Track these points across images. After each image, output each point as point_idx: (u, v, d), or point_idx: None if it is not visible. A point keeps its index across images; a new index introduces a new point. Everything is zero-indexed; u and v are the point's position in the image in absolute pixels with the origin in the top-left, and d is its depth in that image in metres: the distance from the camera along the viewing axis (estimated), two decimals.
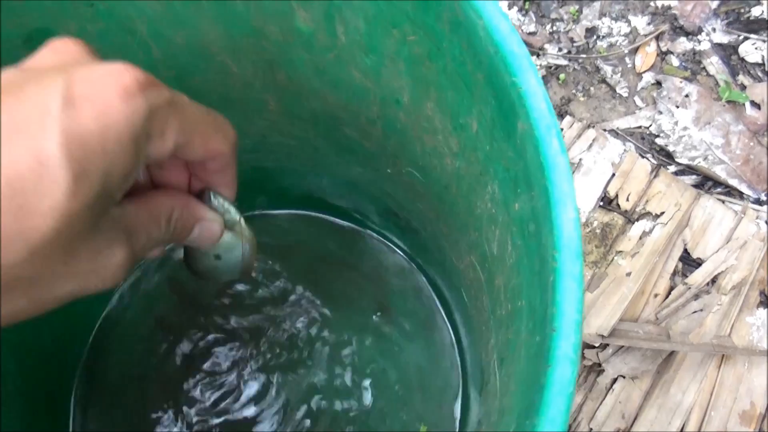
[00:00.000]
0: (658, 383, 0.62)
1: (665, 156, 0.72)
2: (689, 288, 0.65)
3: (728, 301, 0.64)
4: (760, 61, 0.76)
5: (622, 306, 0.63)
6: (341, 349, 0.57)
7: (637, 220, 0.67)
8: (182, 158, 0.25)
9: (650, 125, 0.73)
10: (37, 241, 0.18)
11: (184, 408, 0.55)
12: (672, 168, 0.72)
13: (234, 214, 0.31)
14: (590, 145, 0.70)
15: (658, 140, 0.72)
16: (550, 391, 0.19)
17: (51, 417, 0.55)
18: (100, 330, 0.59)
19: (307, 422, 0.54)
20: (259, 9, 0.37)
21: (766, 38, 0.76)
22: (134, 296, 0.59)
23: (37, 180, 0.18)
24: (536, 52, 0.76)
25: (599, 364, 0.62)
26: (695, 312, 0.64)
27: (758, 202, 0.69)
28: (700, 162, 0.71)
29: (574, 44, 0.76)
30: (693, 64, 0.76)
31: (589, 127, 0.71)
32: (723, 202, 0.69)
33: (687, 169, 0.72)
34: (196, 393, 0.55)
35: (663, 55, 0.77)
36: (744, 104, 0.73)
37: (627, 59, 0.77)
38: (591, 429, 0.60)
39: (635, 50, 0.77)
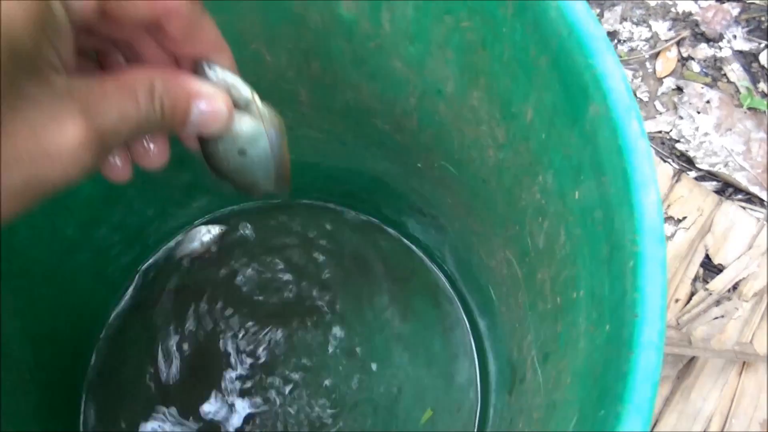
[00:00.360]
0: (678, 389, 0.61)
1: (686, 161, 0.72)
2: (710, 294, 0.64)
3: (750, 308, 0.64)
4: None
5: None
6: (355, 347, 0.56)
7: None
8: (129, 21, 0.22)
9: (671, 130, 0.73)
10: None
11: (195, 406, 0.54)
12: (692, 174, 0.71)
13: (243, 89, 0.26)
14: None
15: (678, 145, 0.72)
16: (635, 377, 0.18)
17: (64, 410, 0.54)
18: (113, 326, 0.58)
19: (321, 421, 0.54)
20: None
21: None
22: (151, 292, 0.58)
23: None
24: None
25: None
26: (716, 318, 0.64)
27: None
28: (720, 168, 0.71)
29: None
30: (714, 71, 0.76)
31: None
32: (744, 208, 0.69)
33: (707, 175, 0.71)
34: (207, 393, 0.54)
35: (684, 60, 0.77)
36: (765, 112, 0.73)
37: (648, 64, 0.77)
38: None
39: (656, 55, 0.77)
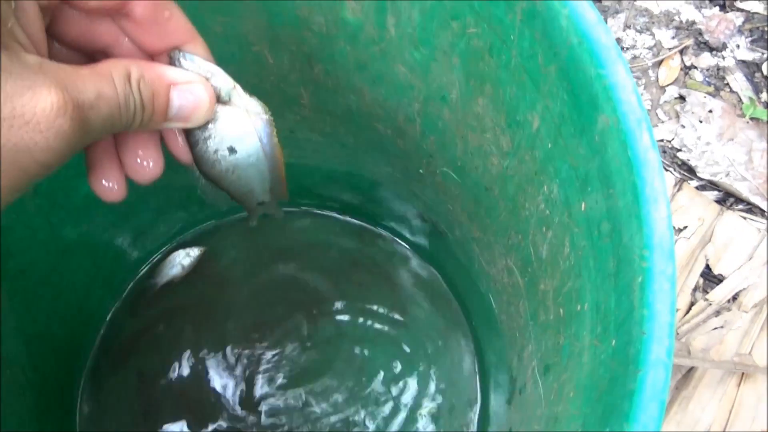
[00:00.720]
0: (676, 399, 0.61)
1: (687, 170, 0.72)
2: (710, 304, 0.64)
3: (749, 319, 0.63)
4: None
5: None
6: (355, 352, 0.55)
7: None
8: (94, 5, 0.22)
9: (672, 138, 0.73)
10: None
11: (192, 407, 0.54)
12: (694, 183, 0.71)
13: (223, 78, 0.25)
14: None
15: (680, 154, 0.72)
16: (642, 396, 0.18)
17: (59, 411, 0.53)
18: (110, 327, 0.57)
19: (320, 423, 0.53)
20: None
21: None
22: (146, 295, 0.58)
23: None
24: None
25: None
26: (716, 329, 0.63)
27: None
28: (722, 178, 0.71)
29: None
30: (716, 80, 0.76)
31: None
32: (744, 218, 0.68)
33: (709, 185, 0.71)
34: (205, 392, 0.54)
35: (686, 69, 0.77)
36: (767, 122, 0.73)
37: (650, 72, 0.76)
38: None
39: (659, 63, 0.77)
